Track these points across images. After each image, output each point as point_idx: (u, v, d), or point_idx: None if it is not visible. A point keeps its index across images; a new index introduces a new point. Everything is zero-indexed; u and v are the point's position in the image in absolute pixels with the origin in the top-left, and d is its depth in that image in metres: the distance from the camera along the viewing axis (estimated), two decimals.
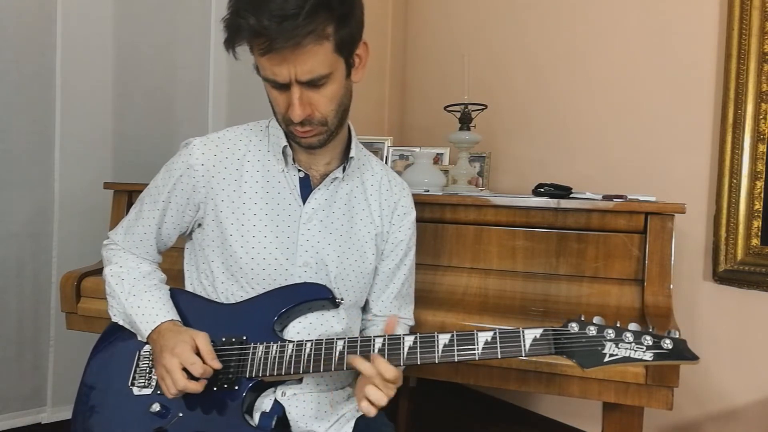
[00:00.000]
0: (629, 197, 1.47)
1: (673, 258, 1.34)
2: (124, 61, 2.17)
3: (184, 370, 0.98)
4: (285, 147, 1.08)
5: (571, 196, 1.51)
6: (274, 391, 1.07)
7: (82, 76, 2.08)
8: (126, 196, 1.78)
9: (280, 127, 1.08)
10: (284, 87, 0.96)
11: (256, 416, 1.06)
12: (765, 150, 1.72)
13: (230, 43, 0.94)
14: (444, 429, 2.33)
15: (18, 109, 1.97)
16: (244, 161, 1.09)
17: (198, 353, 0.99)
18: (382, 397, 0.93)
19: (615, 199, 1.43)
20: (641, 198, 1.43)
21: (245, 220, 1.07)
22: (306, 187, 1.10)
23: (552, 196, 1.47)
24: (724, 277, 1.79)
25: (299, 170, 1.10)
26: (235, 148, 1.10)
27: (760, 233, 1.74)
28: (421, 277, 1.48)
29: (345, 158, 1.12)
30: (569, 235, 1.42)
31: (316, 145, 1.04)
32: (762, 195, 1.73)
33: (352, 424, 1.10)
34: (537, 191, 1.53)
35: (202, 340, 1.00)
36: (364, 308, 1.21)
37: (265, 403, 1.07)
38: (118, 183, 1.88)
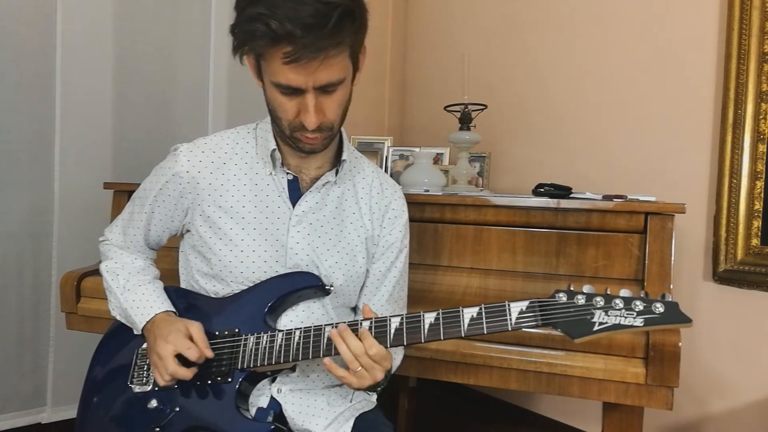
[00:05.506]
0: (629, 197, 1.46)
1: (673, 258, 1.33)
2: (124, 62, 2.17)
3: (179, 357, 0.99)
4: (274, 150, 1.07)
5: (571, 196, 1.51)
6: (270, 388, 1.08)
7: (82, 76, 2.07)
8: (126, 196, 1.78)
9: (269, 131, 1.08)
10: (295, 93, 0.94)
11: (253, 411, 1.06)
12: (765, 150, 1.72)
13: (241, 49, 0.92)
14: (444, 429, 2.33)
15: (18, 109, 1.96)
16: (231, 165, 1.09)
17: (192, 341, 1.00)
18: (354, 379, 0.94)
19: (615, 199, 1.43)
20: (641, 198, 1.43)
21: (233, 223, 1.06)
22: (295, 190, 1.09)
23: (552, 196, 1.47)
24: (724, 277, 1.78)
25: (287, 173, 1.09)
26: (221, 152, 1.10)
27: (760, 233, 1.73)
28: (421, 277, 1.48)
29: (336, 161, 1.11)
30: (569, 235, 1.42)
31: (320, 150, 1.03)
32: (762, 195, 1.72)
33: (350, 423, 1.09)
34: (537, 191, 1.53)
35: (196, 328, 1.02)
36: (356, 312, 1.20)
37: (261, 399, 1.07)
38: (118, 183, 1.88)
